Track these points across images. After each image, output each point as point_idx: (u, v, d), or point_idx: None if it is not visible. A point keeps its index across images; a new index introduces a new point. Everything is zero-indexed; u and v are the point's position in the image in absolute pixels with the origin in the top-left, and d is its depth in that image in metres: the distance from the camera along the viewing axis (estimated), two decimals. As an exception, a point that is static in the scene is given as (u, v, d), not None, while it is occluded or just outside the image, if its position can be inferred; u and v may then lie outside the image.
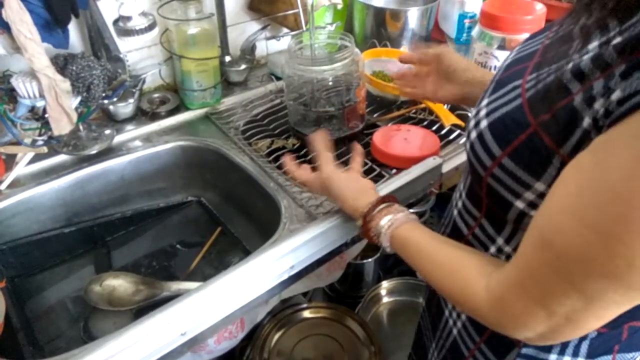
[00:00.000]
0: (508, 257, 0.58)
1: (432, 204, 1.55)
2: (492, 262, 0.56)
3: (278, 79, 1.26)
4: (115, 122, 1.11)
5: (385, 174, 0.96)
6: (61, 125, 0.92)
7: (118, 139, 1.06)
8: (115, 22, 1.01)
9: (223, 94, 1.20)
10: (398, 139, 1.00)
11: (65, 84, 0.88)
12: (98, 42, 1.04)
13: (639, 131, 0.38)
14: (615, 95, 0.40)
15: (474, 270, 0.56)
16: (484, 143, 0.53)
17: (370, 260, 1.46)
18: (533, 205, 0.50)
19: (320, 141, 0.84)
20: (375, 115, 1.16)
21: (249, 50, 1.26)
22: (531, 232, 0.49)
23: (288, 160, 0.85)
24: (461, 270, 0.57)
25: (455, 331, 0.70)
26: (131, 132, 1.09)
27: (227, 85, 1.26)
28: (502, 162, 0.51)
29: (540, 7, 1.14)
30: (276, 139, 1.09)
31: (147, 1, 1.07)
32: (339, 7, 1.31)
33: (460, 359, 0.69)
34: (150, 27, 1.01)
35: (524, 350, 0.61)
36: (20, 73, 0.89)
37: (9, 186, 0.94)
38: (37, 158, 0.98)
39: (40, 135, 0.95)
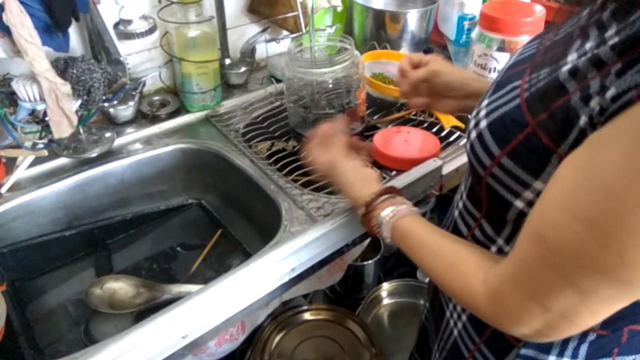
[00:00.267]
0: None
1: (432, 205, 1.55)
2: (491, 257, 0.57)
3: (278, 81, 1.26)
4: (116, 125, 1.11)
5: (385, 176, 0.96)
6: (62, 129, 0.92)
7: (118, 141, 1.06)
8: (116, 25, 1.01)
9: (223, 97, 1.20)
10: (398, 140, 1.00)
11: (66, 87, 0.88)
12: (98, 45, 1.04)
13: (631, 127, 0.39)
14: (610, 93, 0.41)
15: (473, 264, 0.56)
16: (483, 143, 0.54)
17: (370, 262, 1.46)
18: (532, 205, 0.50)
19: (340, 125, 0.84)
20: (375, 117, 1.17)
21: (248, 52, 1.26)
22: (527, 227, 0.49)
23: (311, 138, 0.85)
24: (461, 264, 0.58)
25: (455, 332, 0.70)
26: (131, 135, 1.09)
27: (227, 87, 1.26)
28: (501, 162, 0.51)
29: (539, 9, 1.14)
30: (276, 141, 1.09)
31: (147, 4, 1.07)
32: (339, 9, 1.31)
33: (461, 359, 0.70)
34: (151, 31, 1.01)
35: (523, 351, 0.61)
36: (21, 76, 0.89)
37: (10, 189, 0.94)
38: (38, 161, 0.98)
39: (40, 138, 0.95)
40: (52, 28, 0.87)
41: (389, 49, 1.33)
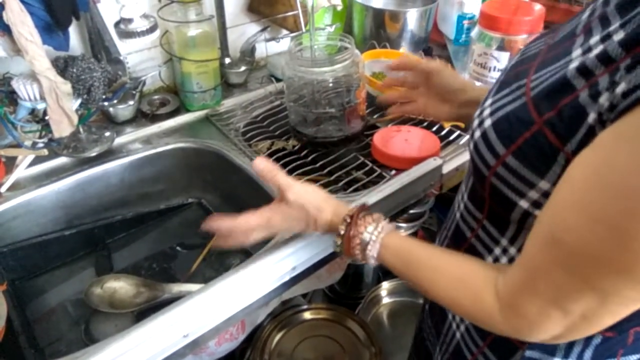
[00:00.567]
0: (512, 259, 0.58)
1: (431, 205, 1.55)
2: (493, 267, 0.56)
3: (278, 80, 1.26)
4: (116, 124, 1.11)
5: (385, 175, 0.96)
6: (62, 128, 0.92)
7: (118, 141, 1.06)
8: (117, 24, 1.01)
9: (223, 96, 1.20)
10: (398, 140, 1.00)
11: (66, 86, 0.88)
12: (98, 45, 1.04)
13: None
14: (620, 88, 0.40)
15: (481, 277, 0.55)
16: (487, 142, 0.53)
17: (370, 261, 1.46)
18: (537, 205, 0.50)
19: (267, 166, 0.72)
20: (375, 117, 1.17)
21: (248, 52, 1.26)
22: (537, 232, 0.48)
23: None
24: (468, 278, 0.56)
25: (458, 335, 0.70)
26: (131, 134, 1.09)
27: (227, 87, 1.26)
28: (506, 161, 0.50)
29: (539, 8, 1.14)
30: (276, 140, 1.09)
31: (147, 3, 1.07)
32: (339, 8, 1.31)
33: None
34: (152, 29, 1.01)
35: (528, 353, 0.60)
36: (21, 75, 0.89)
37: (10, 189, 0.94)
38: (38, 160, 0.98)
39: (40, 137, 0.95)
40: (52, 27, 0.86)
41: (388, 48, 1.33)
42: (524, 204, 0.51)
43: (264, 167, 0.71)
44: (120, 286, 0.93)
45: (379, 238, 0.63)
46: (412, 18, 1.33)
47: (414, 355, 0.91)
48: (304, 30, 1.22)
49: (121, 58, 1.07)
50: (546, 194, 0.48)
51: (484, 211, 0.60)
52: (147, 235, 1.09)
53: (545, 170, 0.47)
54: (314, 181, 0.94)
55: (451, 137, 1.07)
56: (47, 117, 0.90)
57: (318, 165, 1.00)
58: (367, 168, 0.98)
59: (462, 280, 0.56)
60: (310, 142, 1.04)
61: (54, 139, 0.94)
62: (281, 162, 0.98)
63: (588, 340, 0.57)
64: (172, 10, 1.05)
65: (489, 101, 0.56)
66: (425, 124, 1.12)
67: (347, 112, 1.02)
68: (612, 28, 0.43)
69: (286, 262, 0.79)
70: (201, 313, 0.71)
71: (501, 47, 1.15)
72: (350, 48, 0.99)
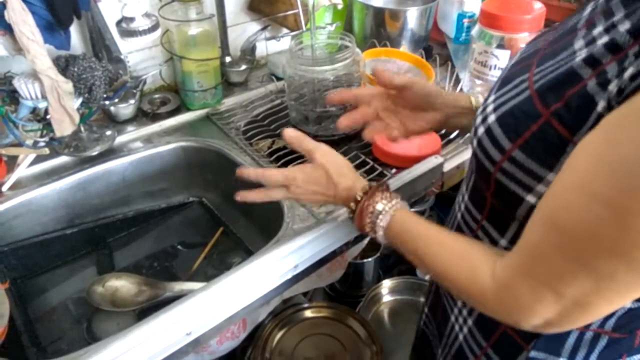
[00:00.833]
0: None
1: (432, 203, 1.56)
2: (496, 251, 0.56)
3: (278, 79, 1.26)
4: (117, 123, 1.11)
5: (386, 174, 0.96)
6: (63, 127, 0.92)
7: (119, 140, 1.06)
8: (119, 23, 1.01)
9: (223, 95, 1.20)
10: (399, 138, 1.00)
11: (68, 85, 0.88)
12: (99, 44, 1.04)
13: None
14: (628, 73, 0.40)
15: (481, 256, 0.55)
16: (492, 138, 0.52)
17: (370, 259, 1.46)
18: None
19: (296, 133, 0.77)
20: (375, 115, 1.17)
21: (249, 50, 1.26)
22: (537, 214, 0.48)
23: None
24: (469, 255, 0.56)
25: (461, 336, 0.69)
26: (132, 133, 1.09)
27: (228, 85, 1.26)
28: (512, 155, 0.50)
29: (539, 6, 1.15)
30: (277, 139, 1.09)
31: (148, 2, 1.07)
32: (339, 7, 1.31)
33: None
34: (154, 28, 1.01)
35: (533, 354, 0.60)
36: (22, 74, 0.89)
37: (11, 188, 0.94)
38: (39, 159, 0.98)
39: (41, 136, 0.95)
40: (53, 26, 0.87)
41: (389, 47, 1.33)
42: (531, 198, 0.51)
43: (293, 134, 0.77)
44: (122, 285, 0.93)
45: (392, 210, 0.65)
46: (413, 17, 1.33)
47: (414, 357, 0.91)
48: (304, 29, 1.22)
49: (122, 57, 1.07)
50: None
51: (484, 212, 0.60)
52: (148, 234, 1.09)
53: (553, 162, 0.47)
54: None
55: (452, 136, 1.07)
56: (48, 116, 0.90)
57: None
58: (368, 166, 0.98)
59: (462, 256, 0.57)
60: (311, 140, 1.04)
61: (55, 138, 0.94)
62: (282, 161, 0.98)
63: (594, 342, 0.57)
64: (172, 9, 1.05)
65: (492, 98, 0.56)
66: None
67: (348, 110, 1.02)
68: (616, 18, 0.44)
69: (287, 261, 0.79)
70: (203, 311, 0.71)
71: (501, 46, 1.16)
72: (350, 47, 0.99)
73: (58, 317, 0.92)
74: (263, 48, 1.30)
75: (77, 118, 0.93)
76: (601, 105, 0.42)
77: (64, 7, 0.85)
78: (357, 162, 1.00)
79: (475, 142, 0.56)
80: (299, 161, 0.99)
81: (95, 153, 1.01)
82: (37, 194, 0.95)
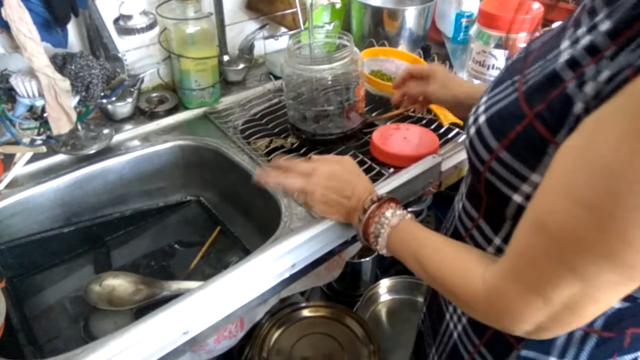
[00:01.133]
0: None
1: (429, 202, 1.56)
2: (491, 257, 0.57)
3: (276, 78, 1.26)
4: (114, 121, 1.10)
5: (384, 173, 0.96)
6: (60, 125, 0.91)
7: (116, 138, 1.06)
8: (116, 20, 1.00)
9: (221, 93, 1.20)
10: (397, 137, 1.00)
11: (65, 83, 0.88)
12: (96, 42, 1.04)
13: (626, 104, 0.38)
14: (604, 76, 0.41)
15: (474, 260, 0.56)
16: (482, 138, 0.53)
17: (368, 259, 1.46)
18: (530, 199, 0.50)
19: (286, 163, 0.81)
20: (373, 114, 1.17)
21: (247, 49, 1.26)
22: (524, 218, 0.49)
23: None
24: (462, 258, 0.57)
25: (455, 335, 0.70)
26: (130, 132, 1.09)
27: (226, 84, 1.26)
28: (499, 155, 0.51)
29: (537, 6, 1.15)
30: (275, 138, 1.09)
31: (146, 0, 1.07)
32: (338, 6, 1.31)
33: None
34: (151, 26, 1.01)
35: (524, 353, 0.60)
36: (19, 72, 0.88)
37: (8, 186, 0.94)
38: (36, 158, 0.97)
39: (38, 134, 0.95)
40: (51, 23, 0.86)
41: (387, 46, 1.33)
42: (517, 198, 0.51)
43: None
44: (119, 284, 0.93)
45: (394, 220, 0.67)
46: (411, 16, 1.33)
47: (413, 356, 0.91)
48: (302, 28, 1.22)
49: (119, 55, 1.07)
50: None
51: (480, 210, 0.61)
52: (145, 233, 1.09)
53: (536, 163, 0.48)
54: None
55: (450, 135, 1.07)
56: (45, 114, 0.90)
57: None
58: (365, 166, 0.98)
59: (456, 258, 0.58)
60: (309, 139, 1.04)
61: (53, 136, 0.94)
62: (271, 162, 0.98)
63: (584, 341, 0.57)
64: (170, 8, 1.05)
65: (484, 98, 0.57)
66: (424, 121, 1.12)
67: (346, 109, 1.02)
68: (598, 18, 0.44)
69: (285, 260, 0.79)
70: (200, 310, 0.71)
71: (499, 45, 1.16)
72: (349, 46, 0.99)
73: (55, 315, 0.91)
74: (261, 47, 1.30)
75: (74, 116, 0.92)
76: (579, 106, 0.43)
77: (62, 4, 0.85)
78: (355, 161, 0.99)
79: (467, 142, 0.57)
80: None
81: (92, 151, 1.01)
82: (34, 192, 0.95)
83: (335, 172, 0.76)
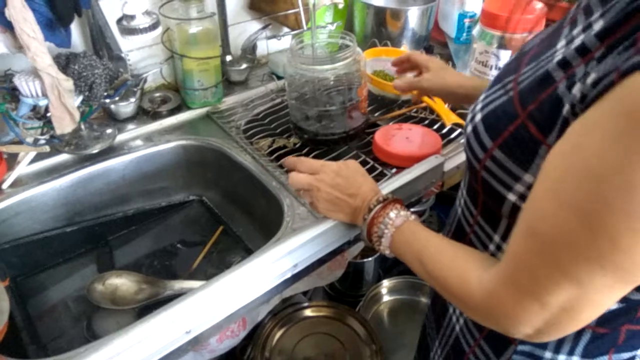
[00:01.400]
0: None
1: (432, 203, 1.56)
2: (490, 260, 0.57)
3: (279, 78, 1.26)
4: (117, 121, 1.11)
5: (386, 173, 0.96)
6: (64, 124, 0.92)
7: (119, 138, 1.06)
8: (119, 20, 1.01)
9: (224, 93, 1.20)
10: (399, 137, 1.00)
11: (68, 83, 0.88)
12: (100, 42, 1.04)
13: (613, 108, 0.38)
14: (590, 79, 0.41)
15: (473, 264, 0.56)
16: (477, 136, 0.54)
17: (370, 259, 1.46)
18: (524, 198, 0.50)
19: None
20: (376, 115, 1.17)
21: (249, 49, 1.26)
22: (519, 223, 0.49)
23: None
24: (462, 261, 0.57)
25: (457, 328, 0.71)
26: (133, 132, 1.09)
27: (228, 84, 1.26)
28: (493, 154, 0.51)
29: (540, 6, 1.14)
30: (277, 138, 1.09)
31: (149, 0, 1.07)
32: (340, 6, 1.31)
33: (462, 355, 0.70)
34: (154, 26, 1.01)
35: (520, 347, 0.61)
36: (23, 72, 0.89)
37: (11, 185, 0.94)
38: (39, 157, 0.98)
39: (42, 134, 0.95)
40: (54, 23, 0.87)
41: (389, 47, 1.33)
42: (511, 197, 0.52)
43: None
44: (122, 283, 0.93)
45: (398, 221, 0.67)
46: (413, 16, 1.33)
47: (417, 352, 0.92)
48: (305, 28, 1.22)
49: (123, 55, 1.07)
50: (531, 187, 0.48)
51: (478, 206, 0.61)
52: (148, 232, 1.09)
53: (528, 163, 0.48)
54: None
55: (452, 135, 1.07)
56: (49, 114, 0.90)
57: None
58: (368, 166, 0.98)
59: (456, 261, 0.58)
60: (312, 139, 1.04)
61: (56, 135, 0.94)
62: (282, 160, 0.98)
63: (578, 336, 0.58)
64: (173, 7, 1.05)
65: (482, 97, 0.57)
66: (427, 122, 1.12)
67: (349, 109, 1.02)
68: (593, 17, 0.44)
69: (287, 260, 0.79)
70: (202, 310, 0.71)
71: (502, 45, 1.16)
72: (351, 46, 0.99)
73: (58, 314, 0.92)
74: (264, 47, 1.30)
75: (77, 116, 0.93)
76: (566, 108, 0.43)
77: (65, 4, 0.85)
78: (358, 161, 0.99)
79: (464, 140, 0.58)
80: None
81: (95, 151, 1.01)
82: (38, 192, 0.95)
83: (341, 170, 0.77)
